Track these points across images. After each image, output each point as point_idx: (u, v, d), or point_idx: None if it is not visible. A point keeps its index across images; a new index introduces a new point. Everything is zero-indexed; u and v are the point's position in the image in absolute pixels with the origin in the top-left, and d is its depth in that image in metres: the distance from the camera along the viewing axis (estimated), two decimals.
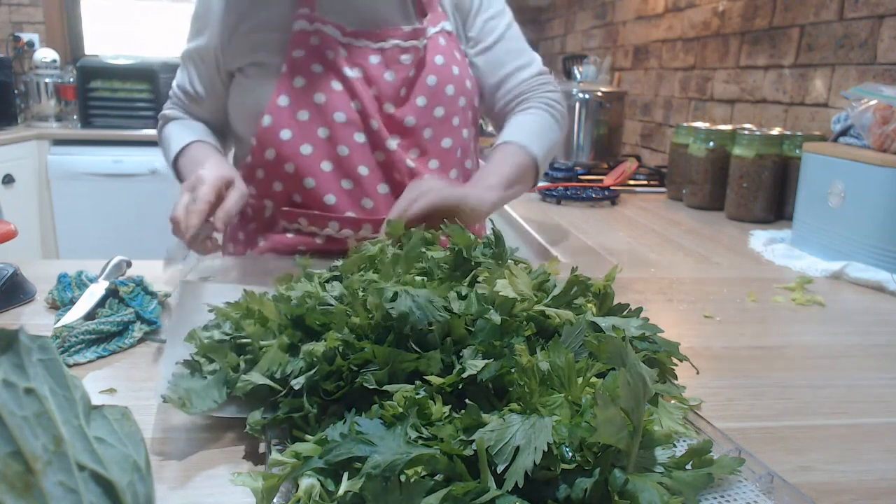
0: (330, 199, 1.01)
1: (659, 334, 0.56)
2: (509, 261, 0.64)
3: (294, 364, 0.50)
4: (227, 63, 1.06)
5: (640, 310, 0.60)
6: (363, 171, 1.02)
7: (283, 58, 1.00)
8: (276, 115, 0.99)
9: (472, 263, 0.63)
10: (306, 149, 1.00)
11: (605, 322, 0.56)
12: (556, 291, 0.59)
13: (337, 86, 1.00)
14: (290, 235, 1.06)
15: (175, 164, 1.05)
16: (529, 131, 1.07)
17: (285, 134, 1.00)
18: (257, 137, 1.01)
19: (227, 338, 0.55)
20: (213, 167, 0.87)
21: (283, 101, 0.99)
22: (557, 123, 1.13)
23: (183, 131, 1.08)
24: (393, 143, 1.02)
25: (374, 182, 1.02)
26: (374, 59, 1.02)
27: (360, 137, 1.01)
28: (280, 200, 1.04)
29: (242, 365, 0.52)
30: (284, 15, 1.02)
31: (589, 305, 0.59)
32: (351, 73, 1.00)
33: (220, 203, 0.84)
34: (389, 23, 1.06)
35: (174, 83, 1.14)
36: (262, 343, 0.53)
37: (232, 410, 0.51)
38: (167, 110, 1.15)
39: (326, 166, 1.01)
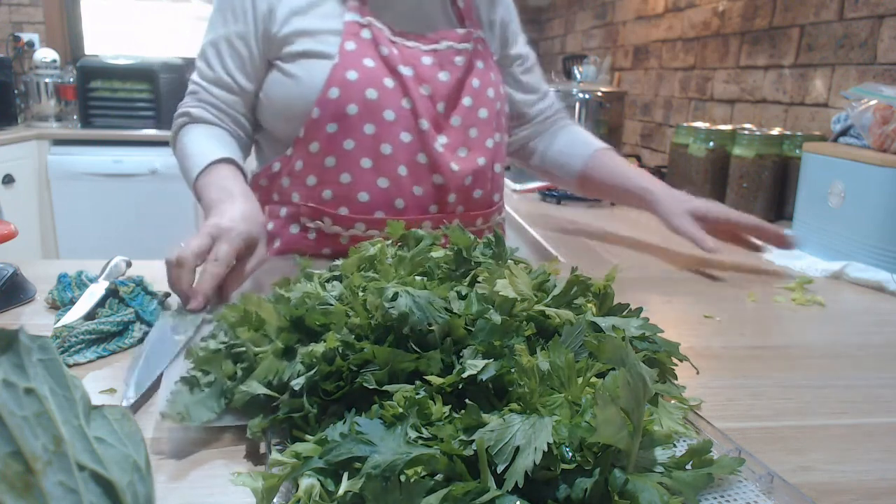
0: (363, 196, 1.00)
1: (659, 334, 0.56)
2: (509, 261, 0.64)
3: (291, 369, 0.50)
4: (268, 52, 1.01)
5: (640, 310, 0.60)
6: (402, 171, 1.00)
7: (332, 49, 0.98)
8: (325, 107, 0.97)
9: (472, 263, 0.63)
10: (349, 144, 0.99)
11: (605, 322, 0.56)
12: (556, 291, 0.59)
13: (389, 82, 0.98)
14: (311, 237, 1.04)
15: (197, 180, 0.94)
16: (588, 140, 1.25)
17: (331, 127, 0.98)
18: (306, 128, 0.99)
19: (223, 347, 0.55)
20: (241, 214, 0.80)
21: (333, 93, 0.97)
22: None
23: (209, 143, 0.98)
24: (440, 146, 1.01)
25: (410, 183, 1.01)
26: (427, 60, 1.02)
27: (405, 137, 1.00)
28: (309, 196, 1.02)
29: (239, 373, 0.52)
30: (336, 8, 1.01)
31: (589, 305, 0.59)
32: (404, 70, 0.99)
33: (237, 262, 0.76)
34: (434, 25, 1.07)
35: (197, 77, 1.05)
36: (258, 350, 0.53)
37: (230, 419, 0.51)
38: (190, 108, 1.04)
39: (366, 163, 0.99)
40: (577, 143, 1.24)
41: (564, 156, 1.24)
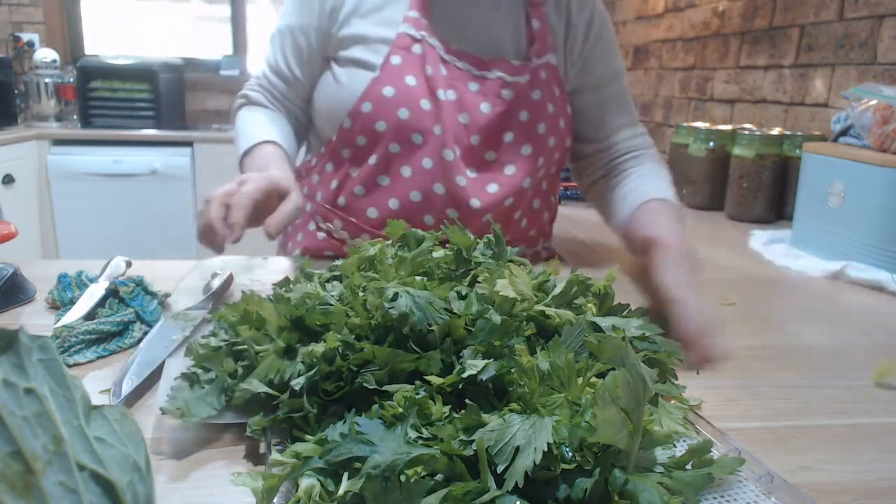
0: (372, 212, 0.99)
1: (659, 335, 0.56)
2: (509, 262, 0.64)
3: (292, 368, 0.51)
4: (326, 49, 1.01)
5: (640, 309, 0.60)
6: (415, 196, 0.97)
7: (380, 61, 0.96)
8: (356, 119, 0.97)
9: (473, 263, 0.63)
10: (373, 159, 0.97)
11: (605, 322, 0.56)
12: (556, 291, 0.59)
13: (426, 104, 0.95)
14: (321, 236, 1.05)
15: (242, 159, 0.99)
16: (656, 186, 0.98)
17: (361, 140, 0.97)
18: (338, 135, 0.99)
19: (223, 344, 0.55)
20: (269, 171, 0.81)
21: (366, 107, 0.95)
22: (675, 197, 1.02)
23: (260, 125, 1.01)
24: (463, 180, 0.96)
25: (421, 211, 0.98)
26: (473, 87, 0.98)
27: (427, 163, 0.96)
28: (328, 198, 1.02)
29: (239, 371, 0.52)
30: (397, 15, 0.98)
31: (589, 305, 0.59)
32: (444, 95, 0.95)
33: (268, 209, 0.77)
34: (497, 48, 1.01)
35: (264, 63, 1.07)
36: (259, 348, 0.53)
37: (231, 416, 0.51)
38: (249, 91, 1.08)
39: (383, 181, 0.98)
40: (637, 191, 1.00)
41: (620, 204, 1.01)
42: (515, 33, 1.02)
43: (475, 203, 0.96)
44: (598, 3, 1.09)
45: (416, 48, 0.96)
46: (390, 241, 0.73)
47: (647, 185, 1.00)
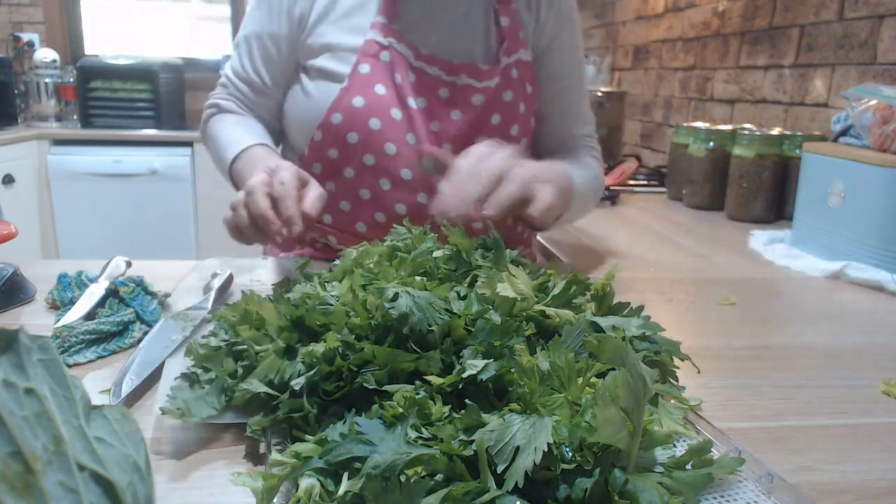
0: (361, 227, 0.98)
1: (659, 334, 0.57)
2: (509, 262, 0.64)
3: (292, 368, 0.51)
4: (297, 56, 0.99)
5: (640, 308, 0.60)
6: (400, 208, 0.96)
7: (349, 69, 0.94)
8: (327, 132, 0.94)
9: (472, 266, 0.63)
10: (349, 173, 0.96)
11: (605, 321, 0.56)
12: (555, 291, 0.59)
13: (396, 114, 0.93)
14: (318, 246, 1.04)
15: (232, 166, 0.96)
16: (578, 167, 1.01)
17: (332, 153, 0.95)
18: (309, 148, 0.97)
19: (224, 345, 0.55)
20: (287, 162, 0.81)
21: (336, 118, 0.93)
22: (597, 186, 1.07)
23: (242, 131, 0.99)
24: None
25: (411, 222, 0.96)
26: (444, 93, 0.96)
27: (406, 174, 0.95)
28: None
29: (239, 371, 0.52)
30: (365, 21, 0.95)
31: (587, 305, 0.59)
32: (415, 103, 0.93)
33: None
34: (467, 50, 0.99)
35: (228, 70, 1.05)
36: (259, 348, 0.53)
37: (230, 416, 0.51)
38: (220, 100, 1.05)
39: (365, 194, 0.96)
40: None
41: None
42: (485, 33, 1.01)
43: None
44: (567, 3, 1.07)
45: (384, 55, 0.94)
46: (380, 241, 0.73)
47: (569, 162, 1.00)
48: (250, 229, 0.75)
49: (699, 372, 0.62)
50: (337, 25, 0.97)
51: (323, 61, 0.96)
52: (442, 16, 0.99)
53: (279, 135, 1.09)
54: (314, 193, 0.77)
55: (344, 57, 0.95)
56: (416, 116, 0.94)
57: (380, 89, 0.93)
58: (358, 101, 0.93)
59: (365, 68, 0.94)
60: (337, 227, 1.00)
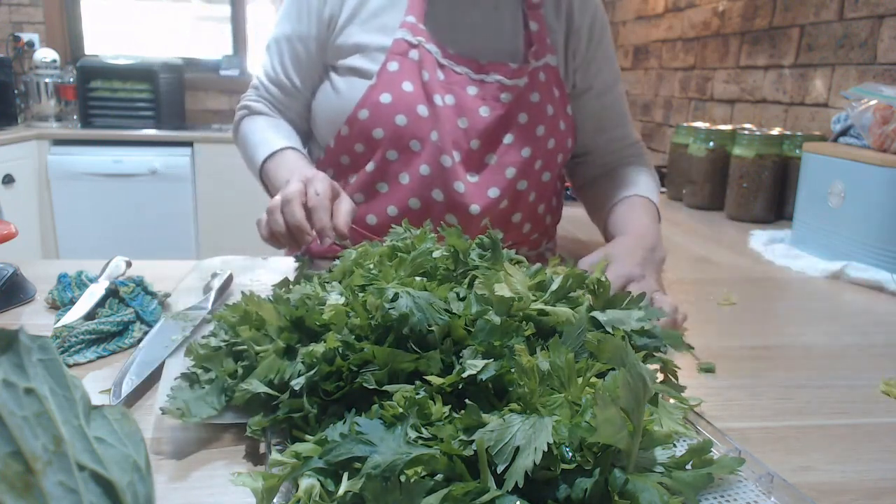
0: (372, 219, 0.99)
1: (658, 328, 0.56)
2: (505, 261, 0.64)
3: (292, 368, 0.51)
4: (325, 57, 1.01)
5: (641, 296, 0.59)
6: (413, 203, 0.97)
7: (378, 67, 0.96)
8: (353, 127, 0.96)
9: (470, 267, 0.63)
10: (370, 167, 0.97)
11: (604, 316, 0.56)
12: (553, 287, 0.59)
13: (423, 111, 0.94)
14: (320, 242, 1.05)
15: (263, 168, 0.98)
16: (642, 182, 1.05)
17: (358, 147, 0.97)
18: (335, 143, 0.99)
19: (224, 345, 0.55)
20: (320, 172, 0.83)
21: (363, 114, 0.95)
22: (657, 196, 1.08)
23: (274, 134, 1.01)
24: (461, 186, 0.95)
25: (419, 217, 0.97)
26: (472, 91, 0.97)
27: (424, 169, 0.95)
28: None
29: (239, 371, 0.53)
30: (394, 21, 0.97)
31: (584, 297, 0.59)
32: (441, 101, 0.95)
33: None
34: (495, 51, 1.00)
35: (260, 72, 1.07)
36: (259, 349, 0.53)
37: (230, 416, 0.51)
38: (251, 102, 1.07)
39: (382, 188, 0.98)
40: (623, 186, 1.05)
41: (604, 197, 1.06)
42: (513, 36, 1.02)
43: (474, 209, 0.96)
44: (599, 7, 1.09)
45: (413, 54, 0.96)
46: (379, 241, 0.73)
47: (634, 183, 1.04)
48: (285, 237, 0.78)
49: (699, 371, 0.62)
50: (366, 25, 0.98)
51: (353, 61, 0.98)
52: (470, 17, 1.00)
53: (306, 136, 1.11)
54: (345, 207, 0.79)
55: (373, 56, 0.97)
56: (442, 113, 0.95)
57: (407, 86, 0.95)
58: (385, 98, 0.94)
59: (393, 66, 0.96)
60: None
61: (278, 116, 1.07)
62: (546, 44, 1.02)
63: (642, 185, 1.04)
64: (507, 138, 0.98)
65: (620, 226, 0.97)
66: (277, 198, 0.78)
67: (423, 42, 0.96)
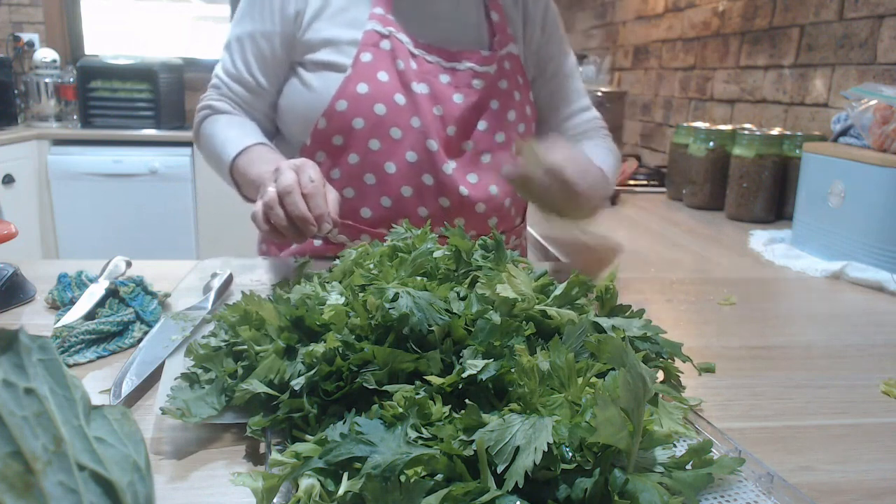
0: (366, 212, 0.99)
1: (660, 335, 0.56)
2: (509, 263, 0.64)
3: (292, 368, 0.51)
4: (292, 54, 1.00)
5: (641, 311, 0.60)
6: (406, 191, 0.97)
7: (350, 61, 0.96)
8: (332, 119, 0.96)
9: (473, 267, 0.63)
10: (353, 158, 0.97)
11: (607, 322, 0.56)
12: (557, 292, 0.59)
13: (400, 99, 0.95)
14: (317, 243, 1.04)
15: (233, 166, 0.96)
16: (598, 155, 1.04)
17: (337, 140, 0.97)
18: (312, 137, 0.98)
19: (224, 345, 0.55)
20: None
21: (341, 105, 0.95)
22: (616, 165, 1.10)
23: (241, 131, 0.99)
24: (449, 168, 0.97)
25: (414, 204, 0.98)
26: (445, 79, 0.99)
27: (411, 156, 0.96)
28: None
29: (239, 371, 0.52)
30: (362, 14, 0.98)
31: (590, 307, 0.59)
32: (418, 88, 0.96)
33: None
34: (464, 40, 1.03)
35: (220, 72, 1.05)
36: (259, 349, 0.53)
37: (231, 416, 0.51)
38: (213, 101, 1.05)
39: (370, 179, 0.98)
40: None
41: None
42: (477, 26, 1.05)
43: (464, 191, 0.98)
44: None
45: (385, 44, 0.97)
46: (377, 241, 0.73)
47: (590, 151, 1.04)
48: (289, 229, 0.76)
49: (700, 374, 0.62)
50: (334, 20, 0.99)
51: (323, 55, 0.98)
52: (435, 8, 1.02)
53: (272, 135, 1.09)
54: (332, 196, 0.79)
55: (345, 50, 0.97)
56: (419, 101, 0.96)
57: (382, 76, 0.96)
58: (362, 88, 0.95)
59: (367, 56, 0.96)
60: (341, 215, 1.00)
61: (243, 115, 1.05)
62: (507, 33, 1.06)
63: (598, 158, 1.02)
64: (481, 125, 1.01)
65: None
66: (272, 190, 0.76)
67: (394, 32, 0.97)
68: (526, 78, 1.08)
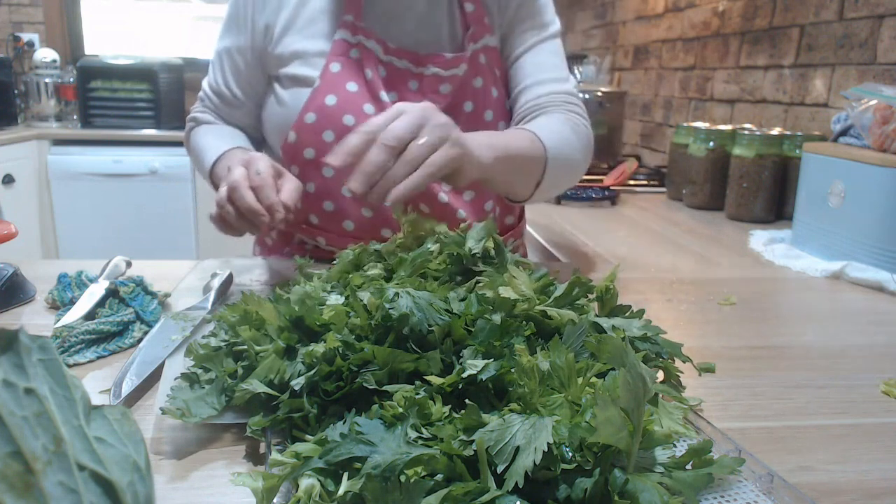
0: (348, 224, 0.99)
1: (660, 335, 0.57)
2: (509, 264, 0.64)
3: (292, 368, 0.51)
4: (266, 67, 1.01)
5: (641, 312, 0.60)
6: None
7: (319, 71, 0.95)
8: (302, 132, 0.95)
9: (473, 272, 0.63)
10: (328, 171, 0.96)
11: (607, 322, 0.56)
12: (557, 293, 0.59)
13: (370, 108, 0.94)
14: (268, 241, 1.05)
15: (212, 171, 0.97)
16: (542, 126, 0.95)
17: (308, 153, 0.96)
18: (283, 151, 0.98)
19: (224, 345, 0.55)
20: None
21: (309, 118, 0.94)
22: (576, 136, 0.98)
23: (219, 138, 1.01)
24: None
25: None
26: (413, 85, 0.97)
27: None
28: (299, 217, 1.00)
29: (239, 371, 0.53)
30: (332, 25, 0.97)
31: (590, 308, 0.59)
32: (387, 97, 0.95)
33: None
34: (435, 41, 1.00)
35: (205, 84, 1.08)
36: (259, 349, 0.53)
37: (231, 416, 0.51)
38: (198, 113, 1.08)
39: (346, 191, 0.96)
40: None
41: None
42: (451, 21, 1.02)
43: (443, 197, 0.97)
44: None
45: (354, 53, 0.95)
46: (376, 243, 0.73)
47: (532, 124, 0.96)
48: (239, 222, 0.77)
49: (700, 374, 0.62)
50: (304, 32, 0.98)
51: (294, 68, 0.98)
52: (407, 7, 1.00)
53: (260, 144, 1.10)
54: (290, 185, 0.78)
55: (313, 62, 0.97)
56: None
57: (351, 86, 0.95)
58: (330, 100, 0.94)
59: (335, 67, 0.95)
60: (324, 228, 1.01)
61: (225, 125, 1.07)
62: (483, 23, 1.02)
63: (538, 125, 0.94)
64: None
65: None
66: (223, 188, 0.77)
67: (363, 40, 0.96)
68: (503, 69, 1.04)
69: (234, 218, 0.76)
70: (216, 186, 0.97)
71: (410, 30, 1.00)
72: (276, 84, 1.00)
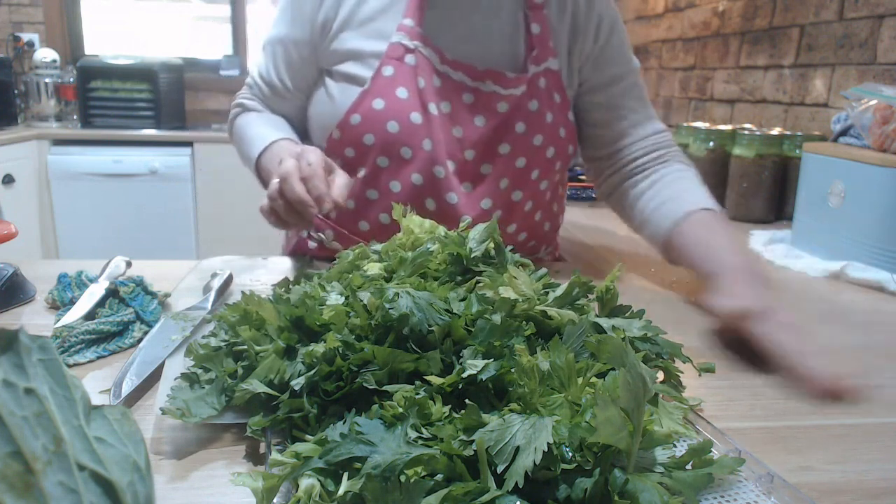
0: (363, 225, 0.99)
1: (660, 335, 0.57)
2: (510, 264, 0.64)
3: (292, 368, 0.51)
4: (320, 61, 1.00)
5: (641, 312, 0.60)
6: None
7: (372, 72, 0.94)
8: (345, 131, 0.95)
9: (474, 272, 0.63)
10: (360, 172, 0.96)
11: (607, 322, 0.56)
12: (557, 293, 0.59)
13: (416, 118, 0.93)
14: (312, 244, 1.05)
15: (259, 160, 0.97)
16: (703, 196, 0.96)
17: (349, 152, 0.96)
18: (327, 146, 0.98)
19: (224, 345, 0.55)
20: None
21: (354, 119, 0.94)
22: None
23: (268, 127, 1.00)
24: (454, 196, 0.94)
25: None
26: (468, 98, 0.95)
27: (417, 179, 0.94)
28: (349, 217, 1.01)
29: (239, 371, 0.53)
30: (390, 26, 0.95)
31: (591, 308, 0.59)
32: (436, 109, 0.93)
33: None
34: (494, 57, 0.98)
35: (255, 72, 1.07)
36: (259, 349, 0.53)
37: (231, 416, 0.51)
38: (245, 100, 1.07)
39: (372, 194, 0.97)
40: (674, 199, 0.96)
41: (656, 213, 0.97)
42: (513, 40, 0.99)
43: (466, 220, 0.96)
44: (607, 4, 1.04)
45: (410, 59, 0.94)
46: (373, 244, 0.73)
47: (683, 192, 0.97)
48: (290, 215, 0.78)
49: (700, 374, 0.62)
50: (361, 31, 0.97)
51: (347, 67, 0.97)
52: (469, 21, 0.97)
53: (303, 135, 1.09)
54: (341, 181, 0.79)
55: (368, 62, 0.96)
56: (435, 121, 0.93)
57: (401, 93, 0.93)
58: (378, 104, 0.93)
59: (388, 71, 0.94)
60: (339, 223, 1.01)
61: (272, 114, 1.06)
62: (548, 47, 0.99)
63: (697, 193, 0.96)
64: (503, 148, 0.96)
65: (705, 254, 0.87)
66: (275, 179, 0.78)
67: (420, 47, 0.94)
68: (565, 96, 1.02)
69: (283, 210, 0.77)
70: (259, 174, 0.99)
71: (470, 43, 0.97)
72: (328, 78, 1.00)
